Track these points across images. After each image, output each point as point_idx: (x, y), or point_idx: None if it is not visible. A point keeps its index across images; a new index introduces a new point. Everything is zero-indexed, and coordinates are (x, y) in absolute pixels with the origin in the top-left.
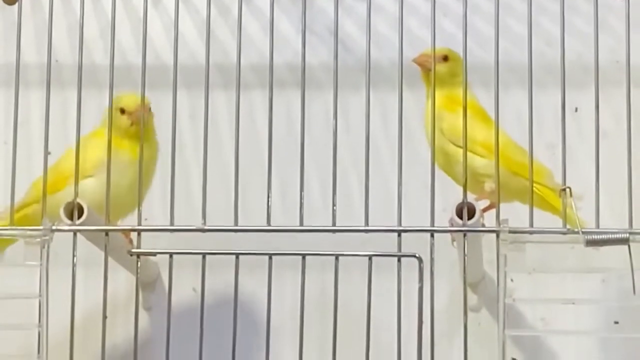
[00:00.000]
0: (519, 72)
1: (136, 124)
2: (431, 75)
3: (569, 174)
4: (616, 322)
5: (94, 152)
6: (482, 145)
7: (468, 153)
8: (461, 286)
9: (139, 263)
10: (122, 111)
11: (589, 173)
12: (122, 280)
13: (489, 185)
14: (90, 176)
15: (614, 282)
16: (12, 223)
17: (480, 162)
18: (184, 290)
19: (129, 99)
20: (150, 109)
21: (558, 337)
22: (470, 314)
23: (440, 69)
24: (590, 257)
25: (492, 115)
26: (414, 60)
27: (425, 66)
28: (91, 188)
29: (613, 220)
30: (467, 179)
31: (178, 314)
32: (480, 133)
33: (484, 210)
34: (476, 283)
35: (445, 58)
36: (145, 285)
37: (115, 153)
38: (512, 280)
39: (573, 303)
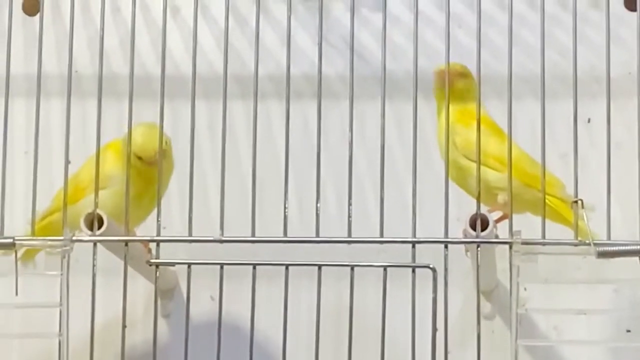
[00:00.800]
0: (533, 83)
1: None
2: (445, 90)
3: (581, 185)
4: (628, 331)
5: (109, 165)
6: (495, 159)
7: (481, 167)
8: (475, 295)
9: (157, 273)
10: (139, 157)
11: (602, 184)
12: (141, 288)
13: (502, 197)
14: (104, 188)
15: (626, 291)
16: (33, 233)
17: (494, 176)
18: (202, 298)
19: (145, 146)
20: (167, 144)
21: (570, 345)
22: (483, 322)
23: (459, 84)
24: (602, 268)
25: (506, 126)
26: (435, 72)
27: (443, 82)
28: (105, 198)
29: (626, 231)
30: (482, 192)
31: (196, 321)
32: (493, 147)
33: (497, 221)
34: (490, 291)
35: (462, 75)
36: (164, 293)
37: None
38: (525, 289)
39: (585, 314)
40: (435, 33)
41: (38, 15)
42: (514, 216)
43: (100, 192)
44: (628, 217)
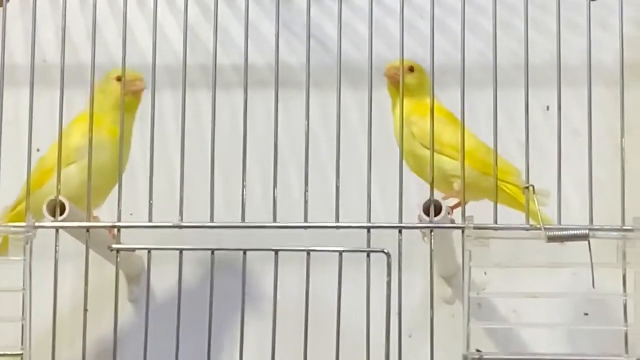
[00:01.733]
0: (493, 72)
1: (131, 95)
2: (399, 86)
3: (540, 172)
4: (586, 314)
5: (75, 138)
6: (451, 147)
7: (437, 155)
8: (435, 280)
9: (118, 258)
10: (119, 79)
11: (560, 171)
12: (109, 273)
13: (458, 184)
14: (73, 162)
15: (584, 275)
16: None
17: (449, 164)
18: (169, 284)
19: (128, 72)
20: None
21: (529, 329)
22: (445, 307)
23: (409, 80)
24: (560, 252)
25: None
26: (385, 75)
27: (395, 79)
28: (75, 174)
29: (583, 217)
30: (438, 180)
31: (164, 307)
32: (449, 136)
33: (453, 208)
34: (450, 277)
35: (412, 69)
36: (131, 278)
37: (95, 134)
38: (485, 273)
39: (536, 297)
40: (398, 24)
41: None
42: (471, 203)
43: (70, 167)
44: (585, 202)
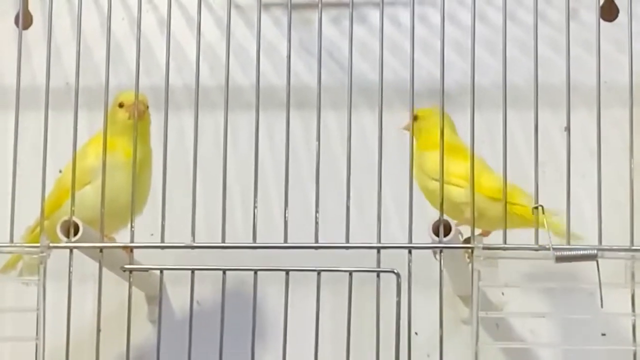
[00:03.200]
0: (511, 93)
1: (134, 117)
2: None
3: (558, 192)
4: (603, 334)
5: (90, 159)
6: (459, 177)
7: (446, 185)
8: (451, 299)
9: (131, 278)
10: (121, 105)
11: (578, 191)
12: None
13: (468, 212)
14: (88, 183)
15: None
16: (11, 240)
17: (457, 192)
18: (189, 303)
19: (128, 93)
20: (147, 106)
21: (547, 348)
22: (461, 326)
23: (419, 126)
24: (576, 270)
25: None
26: (404, 128)
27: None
28: (90, 195)
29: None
30: (449, 209)
31: (184, 326)
32: (456, 166)
33: (467, 239)
34: (467, 296)
35: (415, 118)
36: (150, 298)
37: (110, 156)
38: (502, 293)
39: (543, 317)
40: (415, 44)
41: (30, 28)
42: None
43: (85, 188)
44: (603, 222)
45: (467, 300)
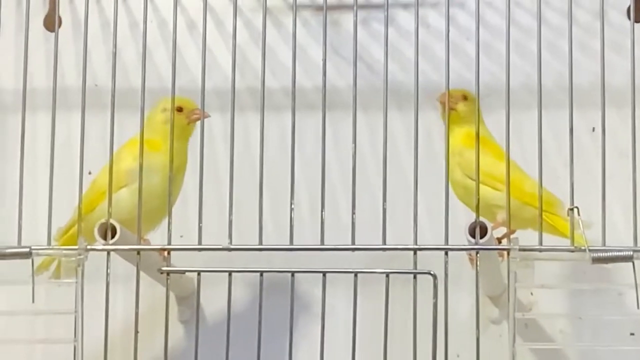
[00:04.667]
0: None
1: (190, 123)
2: (451, 113)
3: (587, 193)
4: (632, 334)
5: (126, 161)
6: (494, 178)
7: (482, 186)
8: (483, 300)
9: (168, 280)
10: (180, 109)
11: (607, 191)
12: (160, 295)
13: (501, 215)
14: (125, 186)
15: (630, 294)
16: (49, 243)
17: (493, 194)
18: (220, 305)
19: (185, 99)
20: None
21: (576, 348)
22: (491, 327)
23: (461, 107)
24: (607, 272)
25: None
26: (438, 99)
27: (450, 107)
28: (126, 198)
29: (630, 238)
30: (483, 210)
31: (214, 328)
32: (492, 168)
33: (500, 239)
34: (497, 297)
35: (465, 97)
36: (182, 299)
37: (147, 158)
38: (531, 294)
39: (580, 318)
40: (445, 45)
41: (59, 30)
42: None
43: (122, 190)
44: (632, 223)
45: (496, 300)
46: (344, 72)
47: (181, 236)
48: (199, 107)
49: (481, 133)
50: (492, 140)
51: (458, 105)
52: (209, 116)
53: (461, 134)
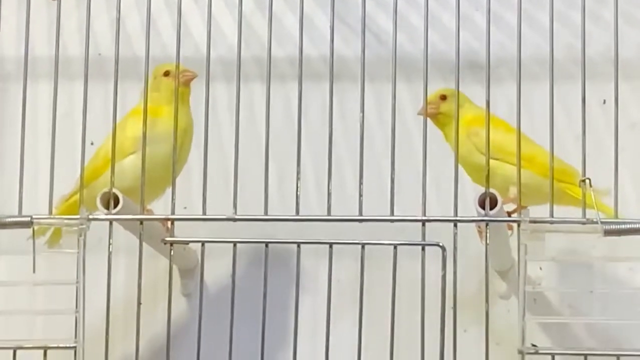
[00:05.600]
0: (547, 65)
1: (182, 85)
2: (439, 119)
3: (597, 166)
4: None
5: (132, 129)
6: (513, 154)
7: (501, 163)
8: (490, 274)
9: (172, 251)
10: (166, 74)
11: (618, 163)
12: (162, 267)
13: (512, 190)
14: (132, 153)
15: None
16: (50, 212)
17: (512, 170)
18: (223, 277)
19: (172, 64)
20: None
21: (584, 323)
22: (499, 301)
23: (445, 108)
24: (615, 248)
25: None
26: (419, 114)
27: (431, 115)
28: (133, 165)
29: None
30: (501, 188)
31: (217, 300)
32: (510, 144)
33: (510, 213)
34: (505, 271)
35: (444, 97)
36: (185, 272)
37: (152, 125)
38: (540, 268)
39: (591, 291)
40: (453, 15)
41: None
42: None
43: (129, 158)
44: None
45: (504, 275)
46: (350, 42)
47: (185, 208)
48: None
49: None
50: (498, 118)
51: (440, 108)
52: (197, 75)
53: (464, 119)
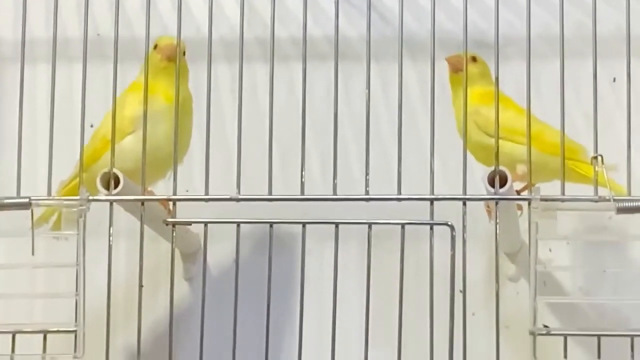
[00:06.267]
0: (557, 43)
1: (168, 60)
2: (459, 75)
3: (608, 144)
4: None
5: (130, 107)
6: (515, 132)
7: (505, 142)
8: (499, 256)
9: (174, 232)
10: (155, 47)
11: (630, 141)
12: (164, 250)
13: (521, 168)
14: (131, 133)
15: None
16: (49, 194)
17: (513, 148)
18: (225, 261)
19: (164, 37)
20: (184, 51)
21: (595, 305)
22: (508, 284)
23: (471, 69)
24: (625, 229)
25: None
26: (447, 59)
27: (456, 66)
28: (132, 145)
29: None
30: (506, 166)
31: (219, 284)
32: (511, 121)
33: (520, 191)
34: (515, 253)
35: (474, 59)
36: (186, 256)
37: (150, 102)
38: (550, 250)
39: (604, 271)
40: None
41: None
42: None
43: (128, 138)
44: None
45: (513, 257)
46: (355, 21)
47: (187, 190)
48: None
49: (493, 90)
50: (506, 96)
51: (469, 67)
52: (174, 46)
53: (474, 93)
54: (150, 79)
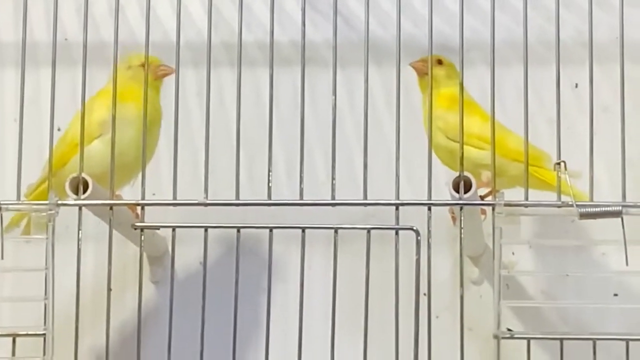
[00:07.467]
0: (520, 49)
1: (157, 78)
2: (426, 79)
3: (570, 149)
4: (615, 295)
5: (98, 111)
6: (478, 138)
7: (465, 147)
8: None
9: (142, 237)
10: (142, 66)
11: (589, 148)
12: (132, 254)
13: (485, 174)
14: (98, 137)
15: (613, 256)
16: (18, 198)
17: (477, 154)
18: (191, 264)
19: (151, 58)
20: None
21: (558, 308)
22: (472, 287)
23: (438, 71)
24: (586, 234)
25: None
26: (411, 65)
27: (422, 70)
28: (100, 149)
29: (612, 194)
30: (470, 172)
31: (185, 287)
32: (475, 127)
33: (484, 197)
34: (478, 257)
35: (440, 62)
36: (153, 259)
37: (120, 108)
38: (513, 253)
39: (567, 275)
40: (424, 1)
41: None
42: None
43: (95, 142)
44: (615, 179)
45: (476, 260)
46: (320, 26)
47: (153, 194)
48: (164, 62)
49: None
50: (472, 100)
51: (435, 70)
52: (173, 71)
53: (441, 95)
54: (128, 89)
